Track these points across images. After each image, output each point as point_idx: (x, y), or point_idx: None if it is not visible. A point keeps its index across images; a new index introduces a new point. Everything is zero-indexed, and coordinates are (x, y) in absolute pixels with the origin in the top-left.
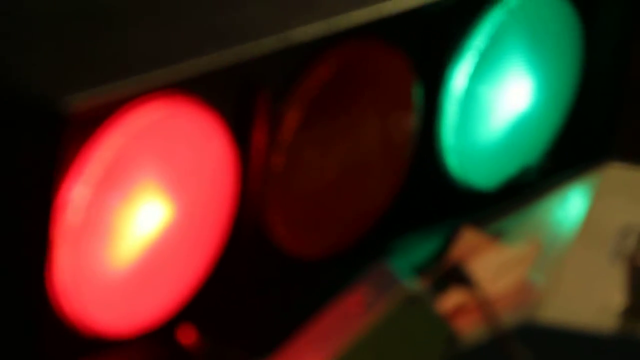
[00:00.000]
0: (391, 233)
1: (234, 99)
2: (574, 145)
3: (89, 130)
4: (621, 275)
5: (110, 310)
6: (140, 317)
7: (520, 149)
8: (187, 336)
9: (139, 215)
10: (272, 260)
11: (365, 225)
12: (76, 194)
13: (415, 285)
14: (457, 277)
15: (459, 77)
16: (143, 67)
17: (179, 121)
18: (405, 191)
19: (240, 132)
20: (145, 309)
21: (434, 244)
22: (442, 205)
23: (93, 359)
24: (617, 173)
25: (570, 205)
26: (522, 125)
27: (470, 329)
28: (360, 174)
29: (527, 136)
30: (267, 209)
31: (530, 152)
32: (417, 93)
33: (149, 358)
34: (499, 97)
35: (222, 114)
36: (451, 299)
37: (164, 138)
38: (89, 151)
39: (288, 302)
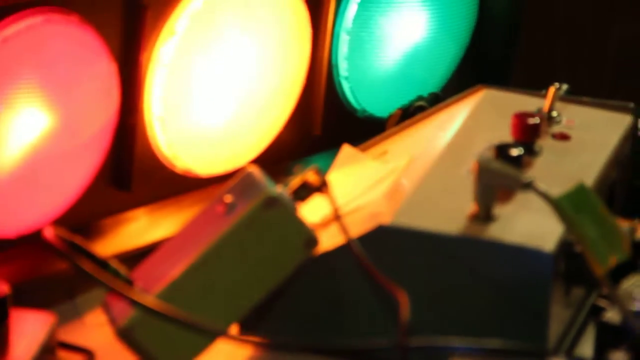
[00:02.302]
0: (285, 156)
1: (116, 16)
2: (473, 77)
3: None
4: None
5: None
6: (22, 219)
7: (415, 79)
8: (52, 235)
9: (15, 121)
10: (157, 174)
11: (256, 146)
12: None
13: (276, 189)
14: (314, 184)
15: (350, 7)
16: None
17: (54, 33)
18: (298, 116)
19: (122, 49)
20: (27, 212)
21: (326, 166)
22: (337, 130)
23: None
24: (491, 96)
25: (447, 124)
26: (417, 56)
27: (332, 235)
28: (251, 96)
29: (422, 67)
30: (152, 124)
31: (427, 82)
32: (308, 21)
33: (29, 256)
34: (392, 28)
35: (103, 30)
36: (318, 211)
37: (38, 48)
38: None
39: (175, 212)
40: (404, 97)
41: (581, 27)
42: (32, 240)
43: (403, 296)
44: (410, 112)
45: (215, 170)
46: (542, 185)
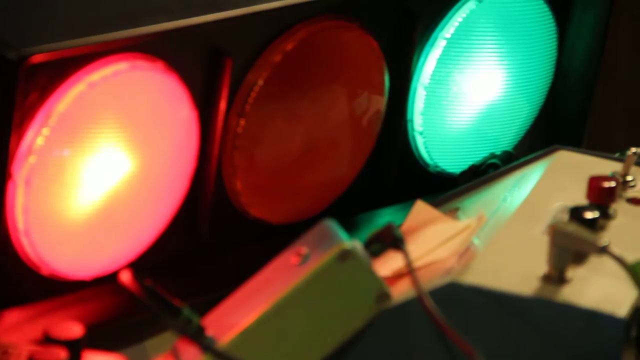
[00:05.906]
0: (356, 207)
1: (199, 65)
2: (546, 136)
3: (49, 79)
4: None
5: (68, 252)
6: (98, 261)
7: (489, 137)
8: (128, 279)
9: (97, 165)
10: (232, 220)
11: (329, 196)
12: (33, 139)
13: (351, 242)
14: (389, 239)
15: (428, 63)
16: (107, 27)
17: (139, 80)
18: (371, 169)
19: (203, 96)
20: (103, 255)
21: (396, 220)
22: (408, 184)
23: (49, 295)
24: (566, 157)
25: (521, 184)
26: (492, 114)
27: (402, 289)
28: (326, 147)
29: (496, 125)
30: (229, 172)
31: (500, 140)
32: (385, 75)
33: (102, 298)
34: (468, 86)
35: (186, 77)
36: (389, 265)
37: (123, 94)
38: (47, 98)
39: (246, 259)
40: (477, 154)
41: None
42: (105, 282)
43: (477, 356)
44: (483, 170)
45: (284, 220)
46: (617, 250)
